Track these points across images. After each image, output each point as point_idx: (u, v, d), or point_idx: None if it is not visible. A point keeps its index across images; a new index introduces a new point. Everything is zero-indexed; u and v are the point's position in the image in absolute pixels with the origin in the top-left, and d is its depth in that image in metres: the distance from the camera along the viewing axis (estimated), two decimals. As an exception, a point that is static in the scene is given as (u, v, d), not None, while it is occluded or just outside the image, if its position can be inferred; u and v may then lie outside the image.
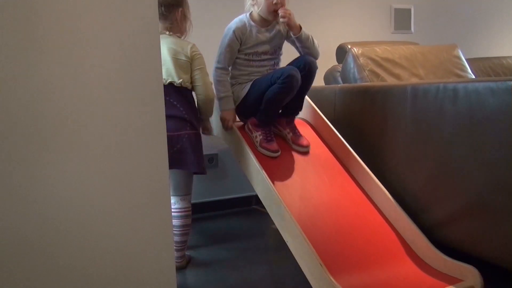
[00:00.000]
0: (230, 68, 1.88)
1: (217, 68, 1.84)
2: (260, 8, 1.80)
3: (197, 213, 2.41)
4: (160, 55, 1.03)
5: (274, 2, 1.76)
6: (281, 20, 1.77)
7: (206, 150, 2.44)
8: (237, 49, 1.83)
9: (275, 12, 1.78)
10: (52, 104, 0.93)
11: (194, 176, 1.77)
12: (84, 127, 0.96)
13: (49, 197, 0.94)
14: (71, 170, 0.95)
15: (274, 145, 1.78)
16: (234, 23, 1.83)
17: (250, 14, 1.84)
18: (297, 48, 1.90)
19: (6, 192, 0.90)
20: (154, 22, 1.01)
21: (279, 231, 1.53)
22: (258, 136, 1.80)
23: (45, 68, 0.91)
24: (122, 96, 0.99)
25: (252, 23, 1.83)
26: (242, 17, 1.84)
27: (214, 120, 1.91)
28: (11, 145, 0.90)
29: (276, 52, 1.90)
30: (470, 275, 1.40)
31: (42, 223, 0.94)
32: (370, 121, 1.87)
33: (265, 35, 1.84)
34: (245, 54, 1.84)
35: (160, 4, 1.68)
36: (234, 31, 1.80)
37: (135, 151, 1.01)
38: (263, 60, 1.86)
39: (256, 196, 1.65)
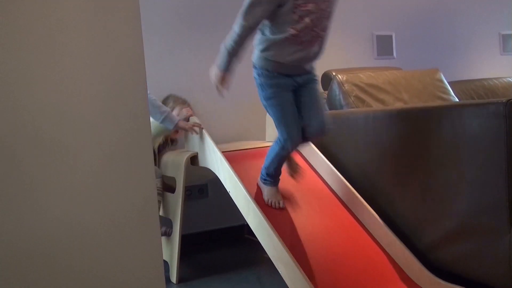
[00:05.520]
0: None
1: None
2: None
3: (189, 244, 2.39)
4: (145, 75, 1.05)
5: None
6: None
7: (196, 181, 2.44)
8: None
9: None
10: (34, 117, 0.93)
11: (185, 207, 1.78)
12: (72, 144, 0.96)
13: (38, 211, 0.93)
14: (60, 186, 0.95)
15: None
16: None
17: None
18: None
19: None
20: (139, 41, 1.02)
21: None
22: None
23: (30, 87, 0.92)
24: (108, 112, 0.99)
25: None
26: None
27: (201, 151, 1.91)
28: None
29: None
30: (463, 297, 1.40)
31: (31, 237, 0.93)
32: (357, 147, 1.89)
33: None
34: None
35: None
36: None
37: (123, 165, 1.01)
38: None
39: (248, 225, 1.64)
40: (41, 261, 0.94)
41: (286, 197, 1.77)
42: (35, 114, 0.93)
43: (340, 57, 2.89)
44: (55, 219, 0.95)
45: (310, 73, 1.66)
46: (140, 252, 1.04)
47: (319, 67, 2.74)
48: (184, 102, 2.26)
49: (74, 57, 0.96)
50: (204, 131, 1.91)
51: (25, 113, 0.92)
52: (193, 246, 2.40)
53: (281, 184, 1.80)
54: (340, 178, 1.85)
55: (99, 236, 0.99)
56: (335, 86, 2.30)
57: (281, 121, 1.58)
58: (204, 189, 2.47)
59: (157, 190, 1.95)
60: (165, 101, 2.25)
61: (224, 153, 1.86)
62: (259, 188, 1.78)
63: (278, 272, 1.48)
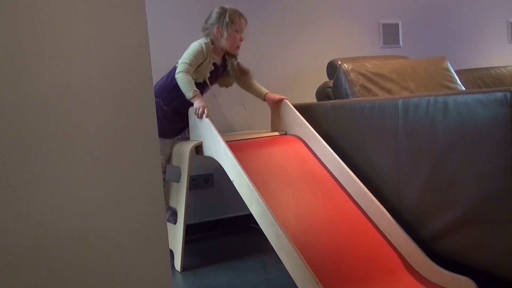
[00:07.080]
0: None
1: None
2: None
3: (195, 234, 2.40)
4: (150, 66, 1.04)
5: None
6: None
7: (201, 170, 2.45)
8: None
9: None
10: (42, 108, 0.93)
11: (190, 197, 1.78)
12: (77, 133, 0.96)
13: (43, 202, 0.94)
14: (65, 174, 0.95)
15: None
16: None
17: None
18: None
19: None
20: (143, 25, 1.02)
21: (276, 250, 1.52)
22: None
23: (34, 80, 0.92)
24: (114, 102, 0.99)
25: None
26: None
27: (205, 141, 1.91)
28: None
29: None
30: (466, 287, 1.41)
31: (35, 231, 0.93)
32: (363, 136, 1.89)
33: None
34: None
35: None
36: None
37: (128, 154, 1.01)
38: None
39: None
40: (45, 254, 0.95)
41: (290, 186, 1.77)
42: (40, 109, 0.93)
43: (346, 46, 2.87)
44: (60, 207, 0.95)
45: None
46: (146, 240, 1.04)
47: (325, 56, 2.74)
48: (240, 15, 2.04)
49: (77, 51, 0.96)
50: (209, 120, 1.91)
51: (30, 108, 0.92)
52: (198, 235, 2.42)
53: (285, 173, 1.80)
54: (344, 167, 1.85)
55: (104, 224, 1.00)
56: (340, 75, 2.28)
57: None
58: (209, 178, 2.47)
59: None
60: (216, 16, 2.05)
61: (229, 142, 1.86)
62: (262, 178, 1.78)
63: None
